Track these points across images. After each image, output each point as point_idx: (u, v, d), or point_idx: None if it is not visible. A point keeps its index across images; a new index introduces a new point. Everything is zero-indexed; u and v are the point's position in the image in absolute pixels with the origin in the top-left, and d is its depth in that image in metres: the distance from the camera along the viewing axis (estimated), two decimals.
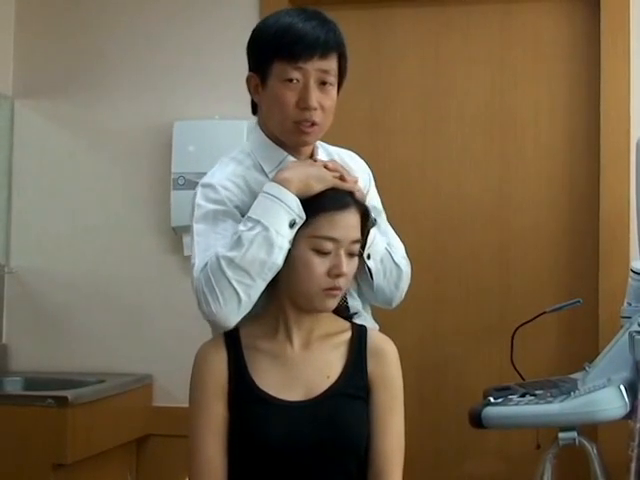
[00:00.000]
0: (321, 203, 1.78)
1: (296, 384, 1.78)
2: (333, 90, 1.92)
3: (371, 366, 1.81)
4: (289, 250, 1.78)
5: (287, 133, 1.92)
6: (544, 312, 2.70)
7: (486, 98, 3.24)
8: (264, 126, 1.98)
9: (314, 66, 1.87)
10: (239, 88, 3.19)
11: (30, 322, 3.45)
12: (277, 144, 1.95)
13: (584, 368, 2.44)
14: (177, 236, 3.25)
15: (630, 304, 2.55)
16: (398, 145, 3.28)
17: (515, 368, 2.62)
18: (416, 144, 3.28)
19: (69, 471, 2.82)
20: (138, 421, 3.27)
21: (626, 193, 2.99)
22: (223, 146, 3.07)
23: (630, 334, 2.32)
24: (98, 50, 3.45)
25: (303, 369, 1.79)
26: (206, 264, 1.78)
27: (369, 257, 1.94)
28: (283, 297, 1.82)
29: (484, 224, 3.22)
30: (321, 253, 1.76)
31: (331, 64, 1.89)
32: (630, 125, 3.03)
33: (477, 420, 2.37)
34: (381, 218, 2.08)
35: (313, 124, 1.89)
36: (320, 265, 1.76)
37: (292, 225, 1.76)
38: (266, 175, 1.91)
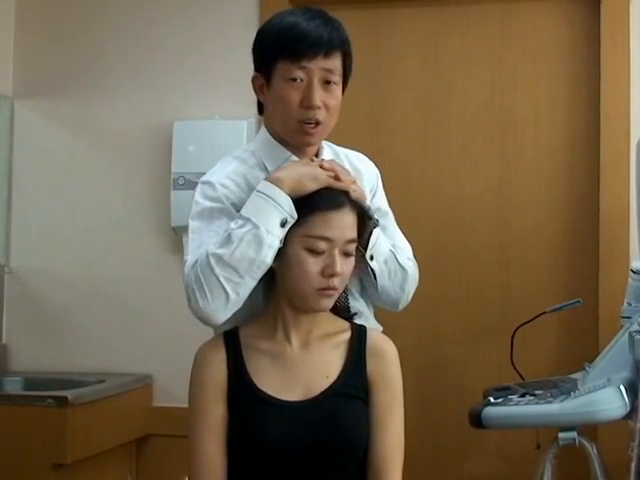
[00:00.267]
0: (315, 202, 1.78)
1: (295, 384, 1.78)
2: (337, 89, 1.92)
3: (370, 366, 1.81)
4: (284, 249, 1.78)
5: (291, 132, 1.92)
6: (544, 312, 2.70)
7: (486, 98, 3.24)
8: (269, 126, 1.98)
9: (318, 65, 1.86)
10: (239, 88, 3.22)
11: (30, 322, 3.45)
12: (282, 144, 1.96)
13: (584, 368, 2.44)
14: (177, 236, 3.25)
15: (630, 304, 2.55)
16: (398, 145, 3.28)
17: (515, 368, 2.62)
18: (416, 144, 3.29)
19: (69, 471, 2.82)
20: (138, 421, 3.27)
21: (626, 193, 2.99)
22: (223, 146, 3.08)
23: (630, 334, 2.32)
24: (98, 50, 3.45)
25: (302, 369, 1.79)
26: (197, 261, 1.79)
27: (372, 258, 1.93)
28: (281, 297, 1.82)
29: (484, 224, 3.22)
30: (315, 253, 1.76)
31: (335, 63, 1.89)
32: (630, 125, 3.03)
33: (477, 420, 2.37)
34: (387, 220, 2.07)
35: (317, 123, 1.89)
36: (314, 265, 1.76)
37: (284, 224, 1.76)
38: (268, 174, 1.92)
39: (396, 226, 2.11)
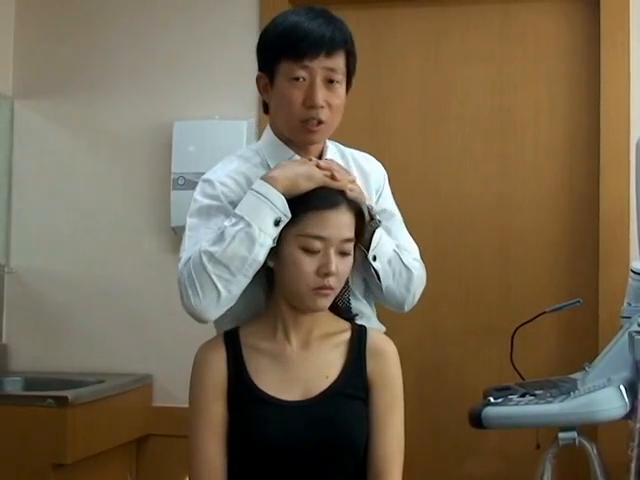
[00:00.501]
0: (310, 201, 1.78)
1: (295, 384, 1.78)
2: (341, 88, 1.92)
3: (371, 366, 1.81)
4: (281, 249, 1.78)
5: (294, 131, 1.92)
6: (544, 312, 2.70)
7: (486, 98, 3.24)
8: (274, 125, 1.99)
9: (320, 64, 1.86)
10: (239, 88, 3.23)
11: (30, 322, 3.45)
12: (286, 143, 1.96)
13: (584, 368, 2.43)
14: (177, 236, 3.25)
15: (630, 304, 2.54)
16: (398, 145, 3.28)
17: (515, 368, 2.62)
18: (416, 144, 3.29)
19: (69, 471, 2.82)
20: (138, 421, 3.27)
21: (626, 193, 2.98)
22: (223, 146, 3.09)
23: (630, 334, 2.32)
24: (98, 50, 3.45)
25: (302, 369, 1.80)
26: (190, 258, 1.80)
27: (375, 259, 1.93)
28: (280, 297, 1.83)
29: (484, 224, 3.22)
30: (310, 252, 1.76)
31: (337, 62, 1.89)
32: (630, 125, 3.03)
33: (477, 420, 2.37)
34: (393, 221, 2.06)
35: (319, 122, 1.89)
36: (309, 264, 1.76)
37: (277, 223, 1.77)
38: None
39: (403, 227, 2.10)
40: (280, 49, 1.88)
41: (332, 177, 1.81)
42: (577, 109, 3.17)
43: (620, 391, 2.28)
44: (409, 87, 3.30)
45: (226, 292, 1.77)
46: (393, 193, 2.14)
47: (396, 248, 1.99)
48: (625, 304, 2.57)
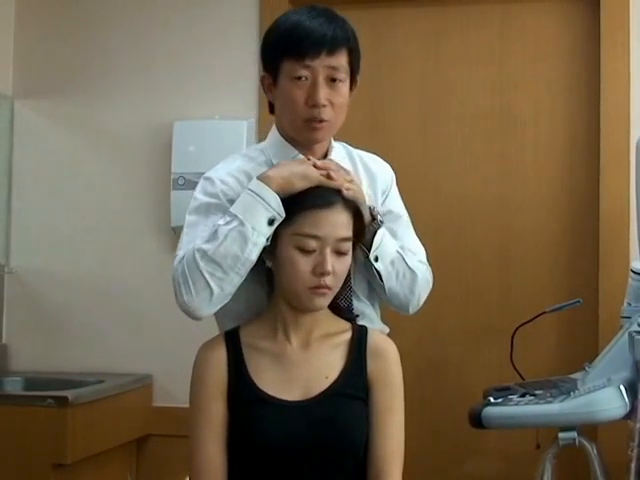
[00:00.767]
0: (305, 201, 1.77)
1: (295, 384, 1.78)
2: (344, 86, 1.92)
3: (371, 366, 1.81)
4: (277, 248, 1.78)
5: (298, 131, 1.93)
6: (544, 312, 2.70)
7: (486, 98, 3.24)
8: (279, 124, 1.99)
9: (322, 63, 1.87)
10: (239, 88, 3.22)
11: (30, 322, 3.45)
12: (290, 143, 1.96)
13: (584, 368, 2.44)
14: (177, 236, 3.22)
15: (630, 304, 2.54)
16: (398, 145, 3.28)
17: (515, 368, 2.62)
18: (416, 144, 3.28)
19: (69, 471, 2.82)
20: (138, 421, 3.27)
21: (626, 193, 2.98)
22: (223, 146, 3.08)
23: (630, 334, 2.32)
24: (98, 50, 3.45)
25: (302, 369, 1.79)
26: (184, 255, 1.81)
27: (377, 259, 1.92)
28: (279, 297, 1.83)
29: (484, 224, 3.22)
30: (305, 251, 1.76)
31: (340, 60, 1.89)
32: (630, 125, 3.03)
33: (477, 420, 2.37)
34: (399, 223, 2.05)
35: (322, 121, 1.89)
36: (305, 263, 1.76)
37: (271, 222, 1.77)
38: None
39: (410, 229, 2.09)
40: (282, 49, 1.88)
41: (328, 176, 1.80)
42: (577, 109, 3.17)
43: (620, 391, 2.28)
44: (409, 87, 3.30)
45: (219, 290, 1.78)
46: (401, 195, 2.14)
47: (400, 249, 1.98)
48: (625, 304, 2.57)
